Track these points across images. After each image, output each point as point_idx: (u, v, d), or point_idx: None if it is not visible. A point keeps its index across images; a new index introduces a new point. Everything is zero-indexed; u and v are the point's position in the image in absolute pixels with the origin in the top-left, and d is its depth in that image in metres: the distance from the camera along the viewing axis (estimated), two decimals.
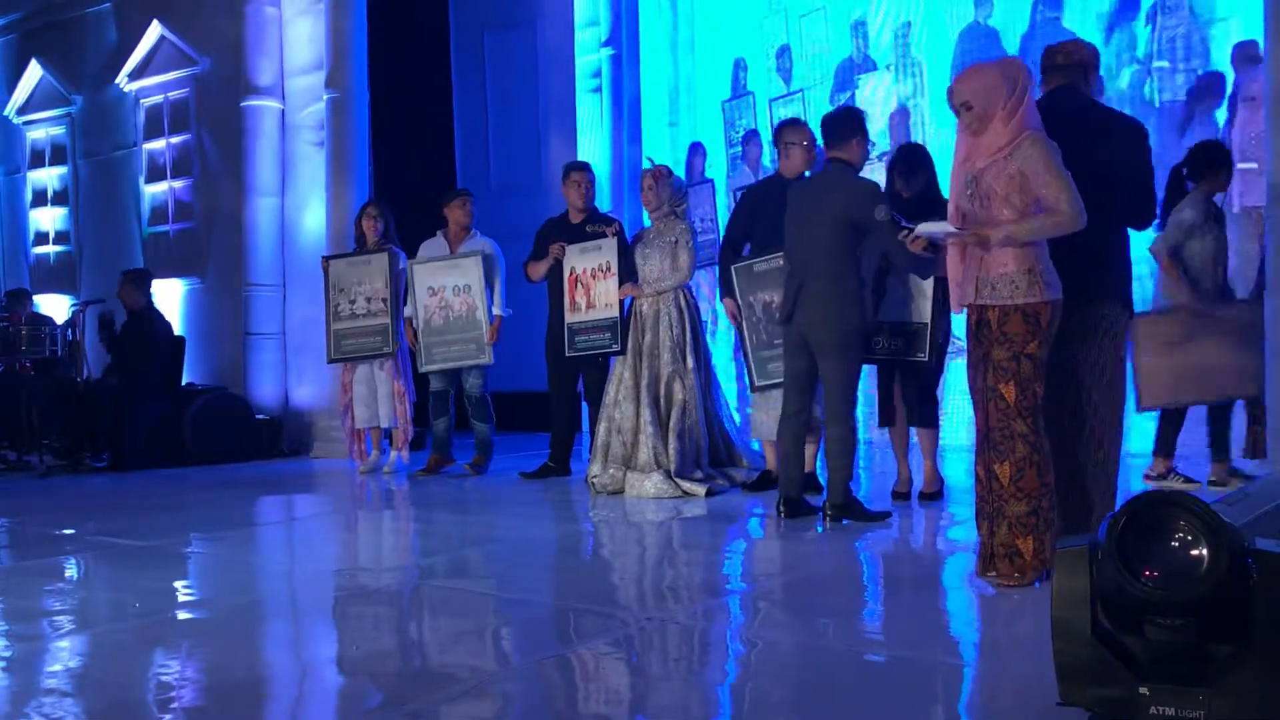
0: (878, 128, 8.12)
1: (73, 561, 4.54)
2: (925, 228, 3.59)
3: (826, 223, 4.49)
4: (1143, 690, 1.51)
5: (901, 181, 5.02)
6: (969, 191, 3.39)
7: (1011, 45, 7.73)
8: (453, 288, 6.55)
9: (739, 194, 8.37)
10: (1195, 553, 1.48)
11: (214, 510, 5.69)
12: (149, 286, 8.08)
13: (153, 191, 9.81)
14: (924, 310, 4.87)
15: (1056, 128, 3.36)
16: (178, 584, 4.06)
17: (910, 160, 5.07)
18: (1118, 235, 3.55)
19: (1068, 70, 3.64)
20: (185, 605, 3.72)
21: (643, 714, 2.51)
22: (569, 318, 5.97)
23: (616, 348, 5.71)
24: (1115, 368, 3.54)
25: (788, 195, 4.79)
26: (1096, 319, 3.48)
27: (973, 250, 3.37)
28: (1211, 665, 1.52)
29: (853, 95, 8.43)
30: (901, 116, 7.99)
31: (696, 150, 9.19)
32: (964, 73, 3.45)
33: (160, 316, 8.11)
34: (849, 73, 8.48)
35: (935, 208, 4.93)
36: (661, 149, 9.28)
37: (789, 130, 5.44)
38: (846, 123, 4.63)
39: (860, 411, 7.84)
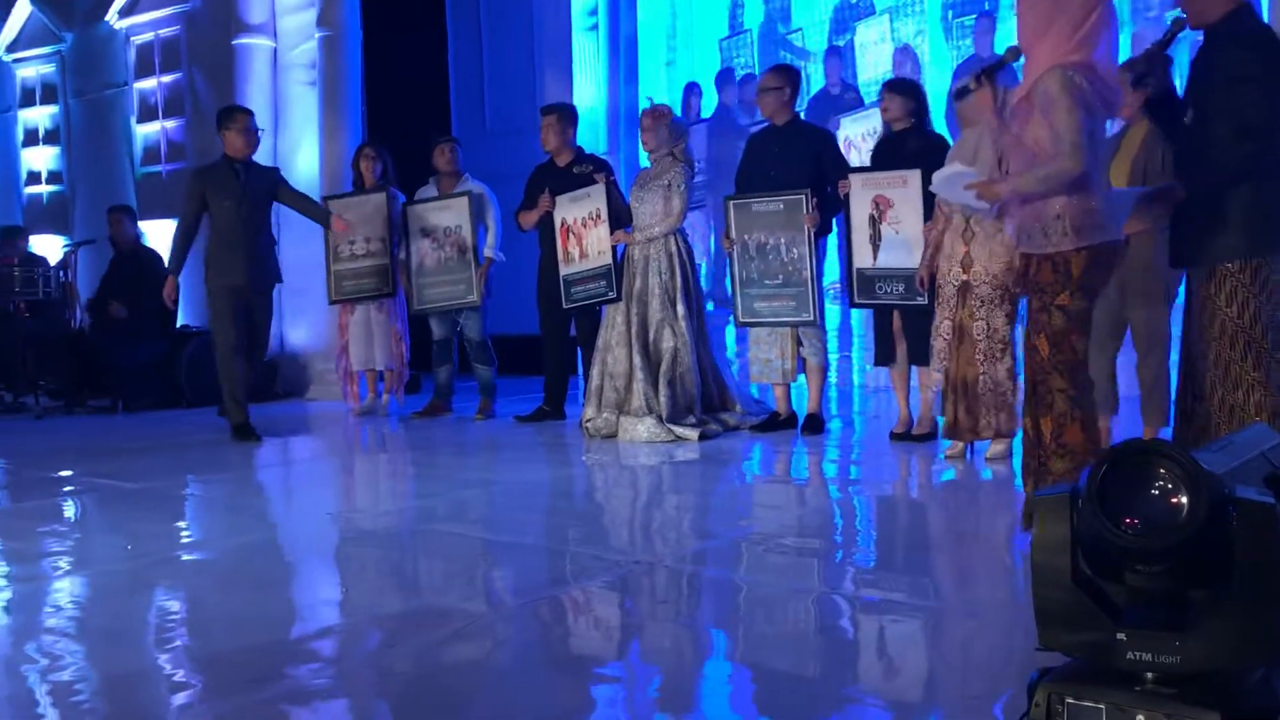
0: (880, 71, 8.05)
1: (70, 503, 4.58)
2: (941, 174, 3.47)
3: None
4: (1120, 635, 1.53)
5: (889, 111, 5.06)
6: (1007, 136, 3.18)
7: None
8: (444, 229, 6.53)
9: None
10: (1175, 500, 1.49)
11: (210, 452, 5.72)
12: (136, 222, 8.13)
13: (145, 131, 9.72)
14: (918, 256, 4.89)
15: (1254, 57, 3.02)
16: (175, 526, 4.10)
17: (892, 89, 5.07)
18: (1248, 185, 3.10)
19: None
20: (183, 547, 3.76)
21: (633, 655, 2.55)
22: (563, 270, 5.94)
23: (614, 295, 5.68)
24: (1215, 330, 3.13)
25: None
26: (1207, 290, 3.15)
27: (1015, 196, 3.15)
28: (1189, 611, 1.54)
29: (851, 39, 8.34)
30: (904, 56, 7.91)
31: (693, 90, 9.11)
32: None
33: (151, 252, 8.09)
34: (846, 16, 8.37)
35: (922, 141, 4.96)
36: (658, 88, 9.19)
37: (762, 77, 5.64)
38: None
39: (855, 354, 7.92)
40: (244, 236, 5.92)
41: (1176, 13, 3.20)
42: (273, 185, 6.21)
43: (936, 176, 3.52)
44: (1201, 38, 3.22)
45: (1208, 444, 2.35)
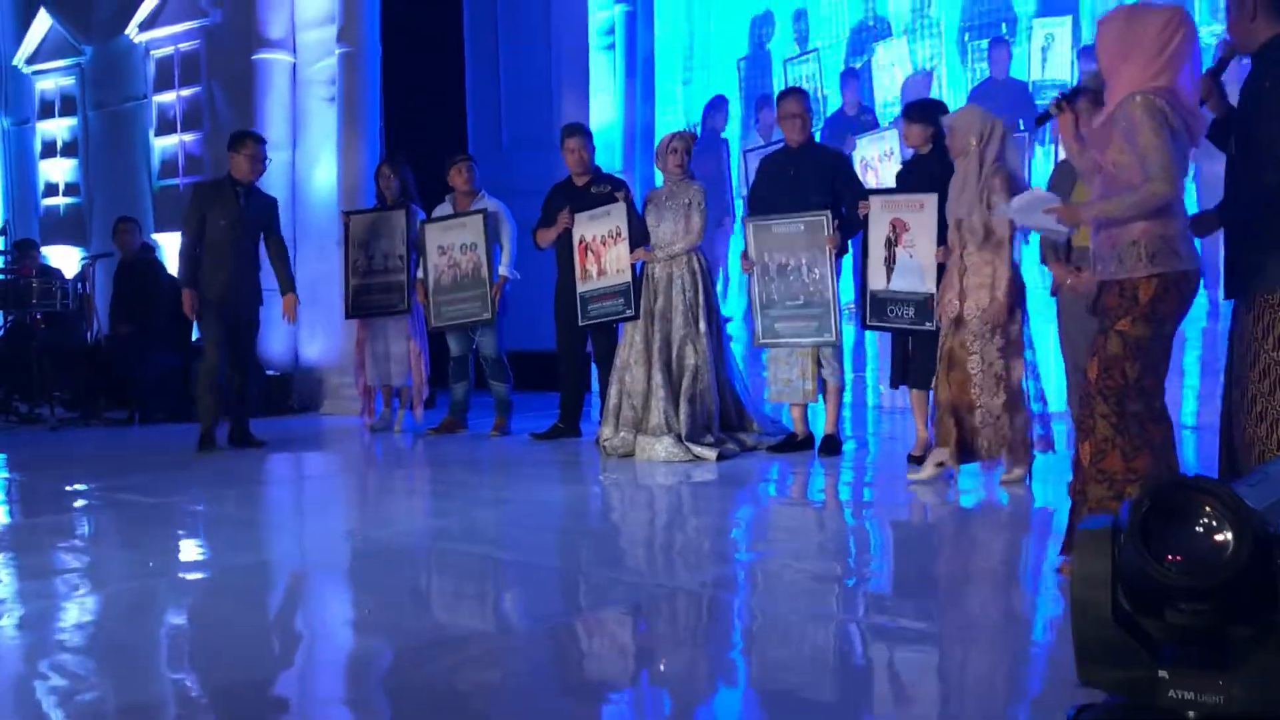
0: (897, 93, 8.06)
1: (84, 518, 4.57)
2: (1019, 201, 3.43)
3: None
4: (1162, 673, 1.50)
5: (909, 138, 5.07)
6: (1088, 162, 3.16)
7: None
8: (460, 246, 6.55)
9: (746, 156, 8.35)
10: (1219, 538, 1.46)
11: (225, 467, 5.71)
12: (141, 232, 8.24)
13: (163, 145, 9.76)
14: (930, 281, 4.88)
15: None
16: (190, 543, 4.08)
17: (908, 117, 5.07)
18: None
19: None
20: (197, 565, 3.74)
21: (650, 680, 2.52)
22: (581, 287, 5.93)
23: (631, 312, 5.67)
24: None
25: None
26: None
27: (1095, 221, 3.11)
28: (1232, 650, 1.51)
29: (868, 61, 8.35)
30: (923, 79, 7.91)
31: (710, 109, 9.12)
32: (1106, 19, 3.10)
33: (159, 264, 8.14)
34: (863, 38, 8.39)
35: (944, 164, 4.95)
36: (674, 107, 9.21)
37: (780, 103, 5.63)
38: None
39: (869, 375, 7.89)
40: (233, 256, 6.10)
41: (1222, 34, 3.17)
42: (268, 216, 6.33)
43: (1015, 201, 3.49)
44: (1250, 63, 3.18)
45: (1243, 477, 2.31)
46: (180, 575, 3.50)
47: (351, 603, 3.29)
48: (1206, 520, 1.48)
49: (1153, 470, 3.05)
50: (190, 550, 3.94)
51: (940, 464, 4.60)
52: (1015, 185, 4.36)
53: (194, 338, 8.09)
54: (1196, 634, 1.53)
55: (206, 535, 4.27)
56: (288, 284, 6.34)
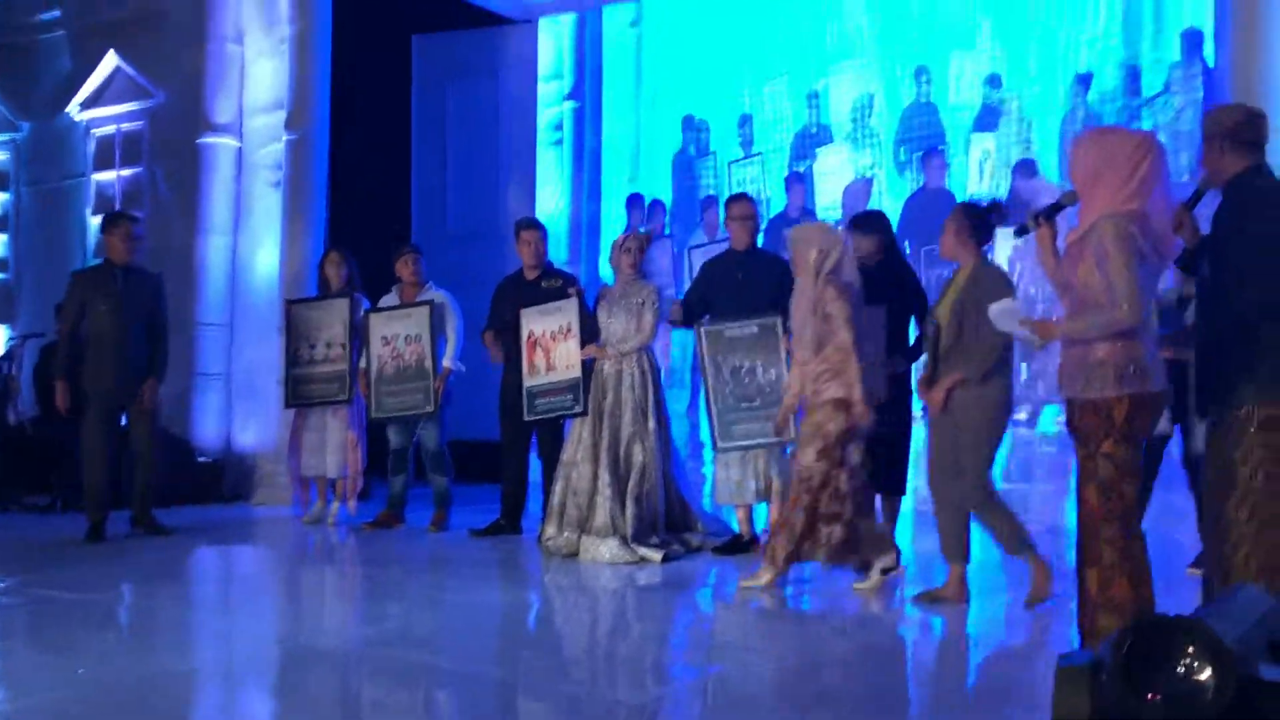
0: (837, 198, 8.26)
1: None
2: (999, 306, 3.51)
3: None
4: None
5: (859, 250, 5.13)
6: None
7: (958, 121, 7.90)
8: (404, 337, 6.48)
9: (691, 253, 8.46)
10: (1200, 678, 1.45)
11: (152, 559, 5.48)
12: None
13: (100, 224, 9.58)
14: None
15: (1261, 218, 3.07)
16: (111, 646, 3.88)
17: (859, 228, 5.15)
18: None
19: (1257, 147, 3.16)
20: (119, 671, 3.53)
21: None
22: (527, 381, 5.88)
23: (579, 409, 5.62)
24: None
25: None
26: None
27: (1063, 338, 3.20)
28: None
29: (810, 166, 8.56)
30: (864, 185, 8.12)
31: (656, 208, 9.23)
32: (1078, 140, 3.27)
33: None
34: (805, 143, 8.62)
35: (892, 274, 5.03)
36: (619, 204, 9.32)
37: (731, 205, 5.74)
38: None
39: None
40: (115, 343, 5.96)
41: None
42: (151, 294, 6.20)
43: (993, 308, 3.57)
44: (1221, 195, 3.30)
45: (1205, 606, 2.32)
46: (99, 682, 3.30)
47: (279, 716, 3.14)
48: (1188, 660, 1.47)
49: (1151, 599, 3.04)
50: (112, 655, 3.73)
51: (885, 570, 4.58)
52: (849, 296, 4.49)
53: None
54: None
55: (130, 638, 4.07)
56: (154, 366, 6.15)
